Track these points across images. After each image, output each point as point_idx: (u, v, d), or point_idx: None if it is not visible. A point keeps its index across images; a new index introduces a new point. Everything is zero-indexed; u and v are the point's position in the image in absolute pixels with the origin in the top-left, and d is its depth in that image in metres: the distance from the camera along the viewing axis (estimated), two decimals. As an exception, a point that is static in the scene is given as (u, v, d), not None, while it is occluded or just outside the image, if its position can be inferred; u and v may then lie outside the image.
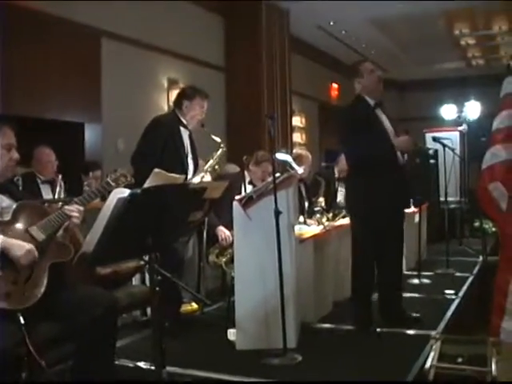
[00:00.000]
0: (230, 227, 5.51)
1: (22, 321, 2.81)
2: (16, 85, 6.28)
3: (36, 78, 6.56)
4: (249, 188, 5.94)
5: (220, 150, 5.41)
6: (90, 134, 7.38)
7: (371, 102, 5.17)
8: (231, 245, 5.41)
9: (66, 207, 3.18)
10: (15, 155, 3.24)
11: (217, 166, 5.41)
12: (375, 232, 5.06)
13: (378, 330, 5.04)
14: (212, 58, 9.83)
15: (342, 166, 8.31)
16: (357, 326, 5.17)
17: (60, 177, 5.93)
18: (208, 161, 5.35)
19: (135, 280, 5.28)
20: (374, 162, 4.95)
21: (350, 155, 5.24)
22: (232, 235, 5.53)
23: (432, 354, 4.14)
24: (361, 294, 5.22)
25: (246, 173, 6.08)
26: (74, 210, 3.17)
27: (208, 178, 5.25)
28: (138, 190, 2.80)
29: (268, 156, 6.05)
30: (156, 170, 4.24)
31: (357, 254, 5.25)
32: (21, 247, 2.96)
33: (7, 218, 3.09)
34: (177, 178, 4.38)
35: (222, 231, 5.67)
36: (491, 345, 4.05)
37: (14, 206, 3.14)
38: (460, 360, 4.07)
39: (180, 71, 8.90)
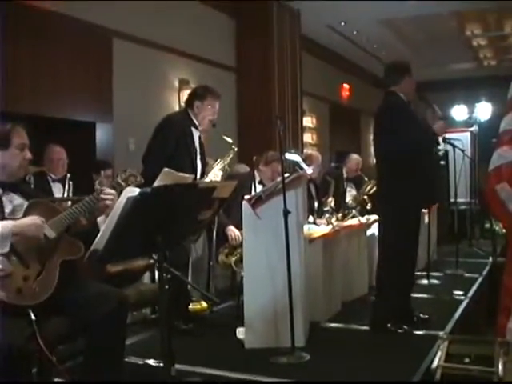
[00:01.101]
0: (239, 227, 5.54)
1: (33, 317, 2.86)
2: (27, 84, 6.32)
3: (47, 77, 6.60)
4: (259, 188, 5.96)
5: (231, 151, 5.43)
6: (102, 133, 7.40)
7: (404, 98, 5.22)
8: (241, 244, 5.44)
9: (103, 191, 3.27)
10: (28, 155, 3.29)
11: (227, 167, 5.43)
12: (407, 230, 5.07)
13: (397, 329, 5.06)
14: (223, 58, 9.84)
15: (350, 166, 8.36)
16: (373, 325, 5.16)
17: (68, 176, 5.96)
18: (220, 162, 5.37)
19: (146, 278, 5.33)
20: (419, 151, 5.01)
21: (396, 145, 5.01)
22: (242, 235, 5.57)
23: (439, 354, 4.16)
24: (386, 293, 5.14)
25: (255, 173, 6.11)
26: (106, 194, 3.26)
27: (218, 177, 5.27)
28: (148, 189, 2.83)
29: (277, 156, 6.07)
30: (165, 169, 4.25)
31: (396, 251, 5.12)
32: (31, 226, 3.03)
33: (19, 216, 3.14)
34: (186, 177, 4.40)
35: (232, 231, 5.70)
36: (498, 345, 4.07)
37: (26, 205, 3.18)
38: (467, 360, 4.09)
39: (191, 71, 8.93)
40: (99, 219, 3.30)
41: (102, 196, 3.24)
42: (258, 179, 6.07)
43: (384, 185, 5.31)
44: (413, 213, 5.10)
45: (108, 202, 3.24)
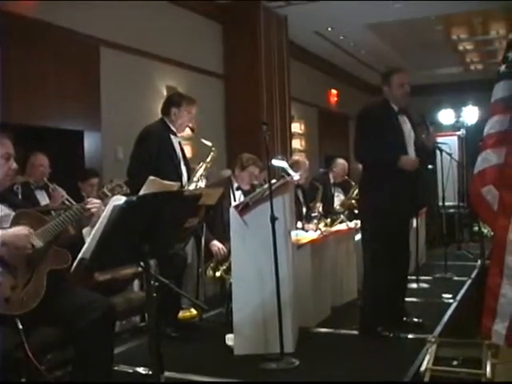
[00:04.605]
0: (223, 239, 5.56)
1: (20, 326, 2.86)
2: (15, 94, 6.31)
3: (35, 86, 6.59)
4: (237, 194, 5.96)
5: (211, 154, 5.45)
6: (90, 141, 7.39)
7: (395, 107, 5.20)
8: (227, 257, 5.45)
9: (86, 201, 3.30)
10: (14, 165, 3.29)
11: (208, 167, 5.43)
12: (386, 237, 5.03)
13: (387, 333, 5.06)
14: (211, 65, 9.85)
15: (337, 171, 8.38)
16: (361, 330, 5.17)
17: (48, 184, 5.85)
18: (201, 166, 5.38)
19: (135, 286, 5.33)
20: (384, 166, 5.00)
21: (361, 155, 5.23)
22: (225, 248, 5.58)
23: (428, 357, 4.19)
24: (371, 297, 5.14)
25: (232, 179, 6.09)
26: (92, 203, 3.29)
27: (202, 184, 5.28)
28: (134, 198, 2.85)
29: (254, 159, 6.07)
30: (151, 177, 4.26)
31: (371, 257, 5.16)
32: (18, 236, 3.04)
33: (6, 226, 3.14)
34: (172, 185, 4.41)
35: (216, 246, 5.69)
36: (486, 347, 4.09)
37: (13, 215, 3.19)
38: (455, 363, 4.12)
39: (179, 79, 8.94)
40: (84, 230, 3.32)
41: (88, 206, 3.26)
42: (235, 185, 6.05)
43: (362, 188, 5.41)
44: (391, 220, 5.01)
45: (94, 210, 3.25)
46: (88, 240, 2.89)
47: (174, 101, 5.39)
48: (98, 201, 3.32)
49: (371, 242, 5.15)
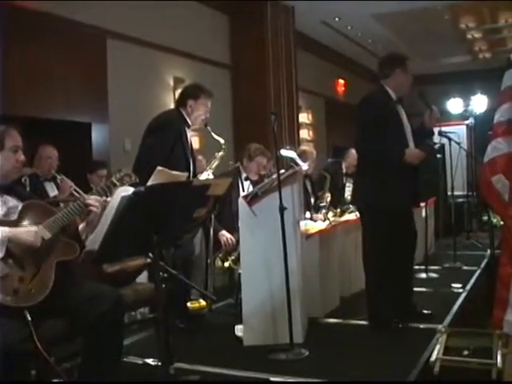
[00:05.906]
0: (231, 229, 5.55)
1: (29, 318, 2.86)
2: (22, 86, 6.31)
3: (42, 78, 6.59)
4: (246, 184, 5.95)
5: (222, 151, 5.40)
6: (97, 133, 7.40)
7: (394, 95, 5.13)
8: (235, 248, 5.45)
9: (87, 197, 3.27)
10: (21, 157, 3.28)
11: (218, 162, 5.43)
12: (385, 228, 4.95)
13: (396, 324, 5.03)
14: (218, 55, 9.83)
15: (349, 161, 8.34)
16: (370, 321, 5.14)
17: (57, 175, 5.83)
18: (212, 161, 5.36)
19: (143, 278, 5.32)
20: (386, 158, 4.93)
21: (363, 149, 5.14)
22: (234, 238, 5.58)
23: (438, 347, 4.17)
24: (374, 289, 5.10)
25: (241, 169, 6.07)
26: (92, 200, 3.26)
27: (211, 175, 5.26)
28: (142, 188, 2.83)
29: (261, 149, 6.05)
30: (159, 167, 4.21)
31: (369, 249, 5.13)
32: (28, 233, 3.03)
33: (13, 218, 3.13)
34: (180, 175, 4.37)
35: (224, 235, 5.70)
36: (497, 337, 4.08)
37: (21, 206, 3.18)
38: (466, 353, 4.10)
39: (186, 70, 8.92)
40: (80, 227, 3.30)
41: (88, 201, 3.23)
42: (243, 175, 6.04)
43: (361, 179, 5.30)
44: (391, 211, 4.93)
45: (93, 209, 3.23)
46: (96, 231, 2.88)
47: (191, 93, 5.21)
48: (99, 198, 3.30)
49: (371, 234, 5.09)
